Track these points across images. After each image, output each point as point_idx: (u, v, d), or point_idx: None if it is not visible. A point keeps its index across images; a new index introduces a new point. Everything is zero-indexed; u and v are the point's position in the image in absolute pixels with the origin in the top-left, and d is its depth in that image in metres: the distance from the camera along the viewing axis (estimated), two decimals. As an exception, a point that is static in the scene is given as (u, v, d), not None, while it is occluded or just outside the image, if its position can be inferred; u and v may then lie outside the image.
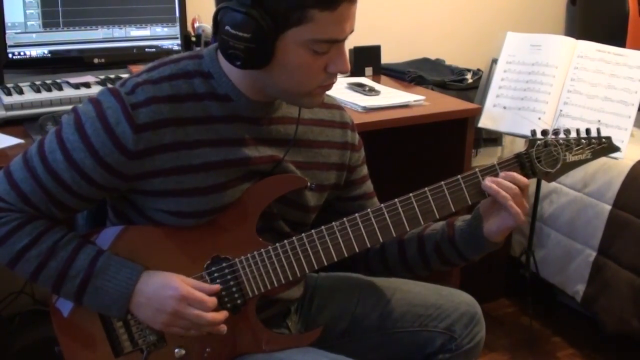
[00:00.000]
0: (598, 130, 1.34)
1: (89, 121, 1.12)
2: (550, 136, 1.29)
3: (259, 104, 1.20)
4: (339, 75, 1.19)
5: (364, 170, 1.42)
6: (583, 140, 1.31)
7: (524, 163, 1.28)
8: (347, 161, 1.36)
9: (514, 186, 1.23)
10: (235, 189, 1.20)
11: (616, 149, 1.35)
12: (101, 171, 1.13)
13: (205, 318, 1.16)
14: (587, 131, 1.33)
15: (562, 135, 1.31)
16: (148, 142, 1.13)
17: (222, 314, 1.19)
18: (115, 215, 1.27)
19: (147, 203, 1.19)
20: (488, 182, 1.24)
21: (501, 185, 1.23)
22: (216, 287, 1.19)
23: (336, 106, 1.37)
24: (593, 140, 1.32)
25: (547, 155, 1.29)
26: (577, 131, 1.32)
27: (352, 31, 1.14)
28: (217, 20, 1.11)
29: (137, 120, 1.12)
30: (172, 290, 1.14)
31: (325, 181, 1.32)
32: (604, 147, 1.33)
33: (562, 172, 1.31)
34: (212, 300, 1.17)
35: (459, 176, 1.26)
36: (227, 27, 1.09)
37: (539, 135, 1.29)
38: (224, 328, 1.19)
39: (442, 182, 1.26)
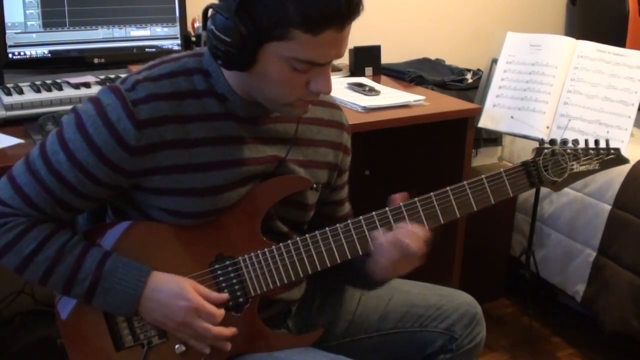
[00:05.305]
0: (607, 142, 1.35)
1: (89, 120, 1.12)
2: (558, 145, 1.29)
3: (253, 105, 1.20)
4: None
5: (346, 176, 1.42)
6: (591, 151, 1.31)
7: (530, 171, 1.28)
8: (339, 162, 1.36)
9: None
10: (232, 193, 1.20)
11: (625, 161, 1.36)
12: (104, 169, 1.13)
13: (211, 332, 1.16)
14: (596, 142, 1.33)
15: (570, 145, 1.31)
16: (149, 138, 1.13)
17: (229, 330, 1.19)
18: (113, 211, 1.27)
19: (145, 200, 1.19)
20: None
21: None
22: (224, 296, 1.20)
23: (335, 106, 1.37)
24: (601, 151, 1.32)
25: (554, 164, 1.29)
26: (586, 142, 1.32)
27: (338, 57, 1.12)
28: (205, 17, 1.12)
29: (138, 116, 1.12)
30: (185, 301, 1.14)
31: (322, 180, 1.33)
32: (613, 158, 1.34)
33: (569, 181, 1.31)
34: (221, 313, 1.18)
35: (464, 182, 1.26)
36: (212, 27, 1.09)
37: (546, 145, 1.30)
38: (228, 346, 1.20)
39: (448, 188, 1.26)
